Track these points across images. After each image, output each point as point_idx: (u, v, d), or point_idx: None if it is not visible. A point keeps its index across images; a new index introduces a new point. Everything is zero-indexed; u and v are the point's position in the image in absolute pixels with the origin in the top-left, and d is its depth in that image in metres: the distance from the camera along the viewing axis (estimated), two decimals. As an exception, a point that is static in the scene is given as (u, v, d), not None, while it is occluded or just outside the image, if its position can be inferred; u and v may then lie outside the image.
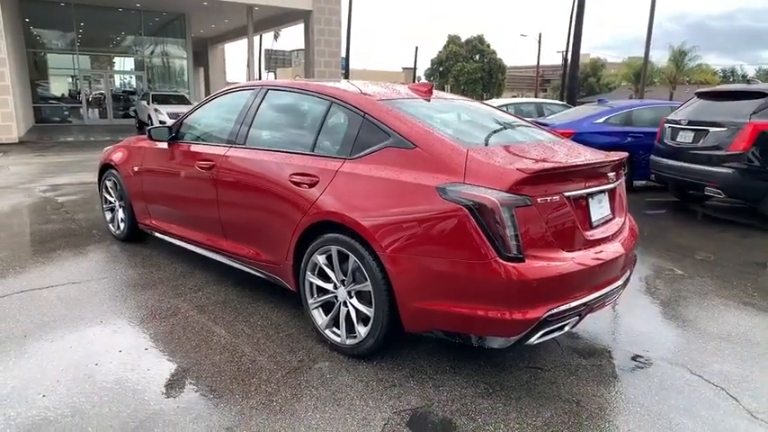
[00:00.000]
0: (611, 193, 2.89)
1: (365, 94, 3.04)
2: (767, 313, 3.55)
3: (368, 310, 2.67)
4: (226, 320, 3.24)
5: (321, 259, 2.87)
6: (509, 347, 2.44)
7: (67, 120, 21.54)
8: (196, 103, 4.31)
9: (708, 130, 6.06)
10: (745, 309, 3.62)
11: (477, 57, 52.00)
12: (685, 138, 6.39)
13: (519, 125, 3.39)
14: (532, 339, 2.39)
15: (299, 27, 20.35)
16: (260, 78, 38.11)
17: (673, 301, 3.76)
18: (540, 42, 41.37)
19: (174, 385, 2.50)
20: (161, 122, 16.73)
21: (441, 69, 52.26)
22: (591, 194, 2.68)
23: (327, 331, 2.90)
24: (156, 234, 4.39)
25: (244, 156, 3.37)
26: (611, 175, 2.84)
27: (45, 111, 21.00)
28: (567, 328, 2.54)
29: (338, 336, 2.84)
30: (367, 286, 2.64)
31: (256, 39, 37.73)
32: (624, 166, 3.02)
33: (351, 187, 2.73)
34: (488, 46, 52.37)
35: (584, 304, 2.50)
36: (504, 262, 2.27)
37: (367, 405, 2.39)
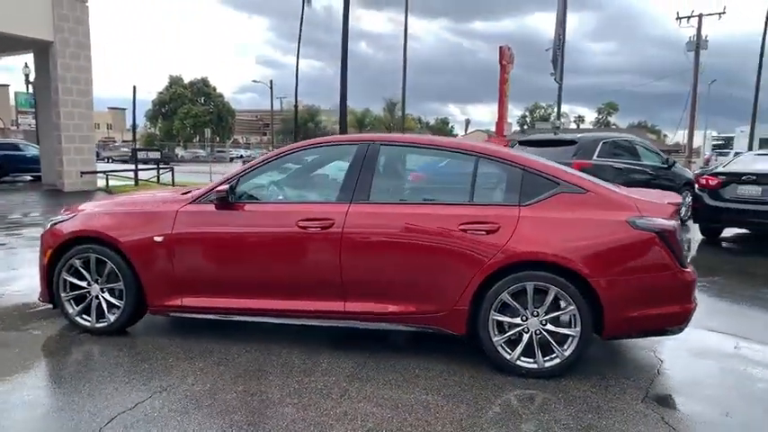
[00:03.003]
0: None
1: (505, 149, 3.51)
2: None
3: (572, 331, 3.14)
4: (399, 381, 3.13)
5: (507, 297, 3.18)
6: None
7: None
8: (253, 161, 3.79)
9: (543, 169, 8.14)
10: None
11: (203, 99, 50.91)
12: (525, 174, 8.38)
13: None
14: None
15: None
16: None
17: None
18: (271, 89, 43.66)
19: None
20: None
21: (164, 111, 49.05)
22: None
23: (519, 362, 3.20)
24: (189, 315, 3.65)
25: (386, 211, 3.34)
26: None
27: None
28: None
29: (533, 363, 3.19)
30: (571, 312, 3.12)
31: None
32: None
33: (541, 229, 3.17)
34: (214, 89, 51.96)
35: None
36: (683, 269, 3.15)
37: (625, 408, 2.88)
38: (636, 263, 3.11)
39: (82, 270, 3.70)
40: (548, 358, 3.19)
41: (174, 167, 19.52)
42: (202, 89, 50.61)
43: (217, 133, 47.66)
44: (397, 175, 3.62)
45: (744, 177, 7.12)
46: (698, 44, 26.86)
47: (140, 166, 17.47)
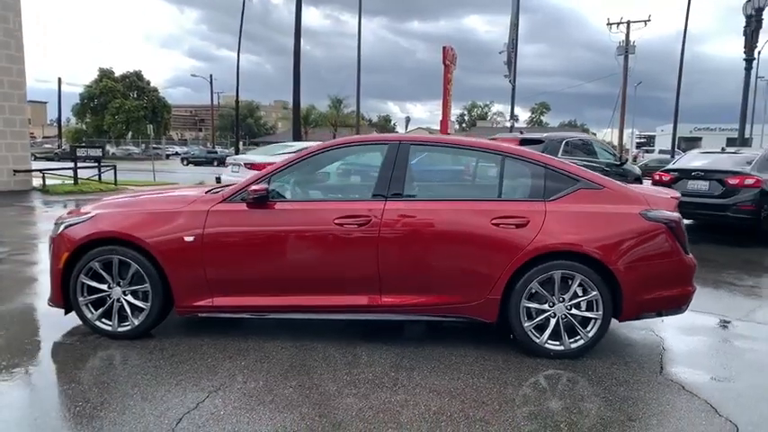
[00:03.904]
0: None
1: (526, 149, 3.75)
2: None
3: (595, 315, 3.43)
4: (441, 368, 3.29)
5: (536, 285, 3.43)
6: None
7: None
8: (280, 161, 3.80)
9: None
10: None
11: (136, 94, 48.30)
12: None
13: None
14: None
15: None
16: None
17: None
18: (212, 83, 42.27)
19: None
20: None
21: (93, 105, 46.02)
22: None
23: (547, 345, 3.46)
24: (220, 315, 3.64)
25: (421, 207, 3.49)
26: None
27: None
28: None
29: (559, 345, 3.46)
30: (594, 296, 3.41)
31: None
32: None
33: (566, 222, 3.44)
34: (149, 83, 49.39)
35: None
36: (687, 256, 3.53)
37: (648, 380, 3.21)
38: (649, 251, 3.45)
39: (102, 272, 3.59)
40: (572, 340, 3.47)
41: (115, 166, 18.52)
42: (135, 83, 47.98)
43: (152, 129, 45.52)
44: (428, 172, 3.78)
45: (693, 173, 7.87)
46: (626, 49, 28.89)
47: (78, 165, 16.46)
